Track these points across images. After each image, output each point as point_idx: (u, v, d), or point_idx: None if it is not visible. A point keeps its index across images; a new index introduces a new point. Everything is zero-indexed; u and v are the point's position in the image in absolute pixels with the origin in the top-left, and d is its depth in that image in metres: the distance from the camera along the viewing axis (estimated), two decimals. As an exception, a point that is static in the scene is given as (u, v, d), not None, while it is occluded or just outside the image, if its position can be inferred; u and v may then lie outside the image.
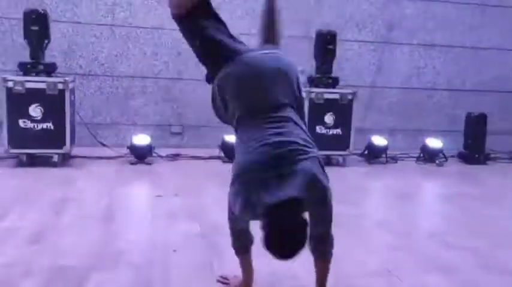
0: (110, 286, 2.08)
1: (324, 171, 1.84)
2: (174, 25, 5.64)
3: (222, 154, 4.84)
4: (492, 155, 5.55)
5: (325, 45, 4.83)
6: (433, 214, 3.59)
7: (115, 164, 4.45)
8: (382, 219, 3.25)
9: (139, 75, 5.26)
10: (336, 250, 2.54)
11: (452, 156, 5.44)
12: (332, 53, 4.84)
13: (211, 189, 3.76)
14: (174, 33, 5.27)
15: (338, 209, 3.41)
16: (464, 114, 5.60)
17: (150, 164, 4.51)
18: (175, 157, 4.85)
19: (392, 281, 2.23)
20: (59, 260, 2.30)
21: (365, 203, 3.74)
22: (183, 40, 5.68)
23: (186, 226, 2.85)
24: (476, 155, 5.37)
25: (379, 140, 5.13)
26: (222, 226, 2.80)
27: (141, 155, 4.54)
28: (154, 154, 4.66)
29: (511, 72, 6.20)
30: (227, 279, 2.14)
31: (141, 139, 4.57)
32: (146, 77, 5.28)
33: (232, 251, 2.02)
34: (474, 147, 5.42)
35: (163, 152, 4.79)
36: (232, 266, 2.21)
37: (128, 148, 4.56)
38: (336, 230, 2.95)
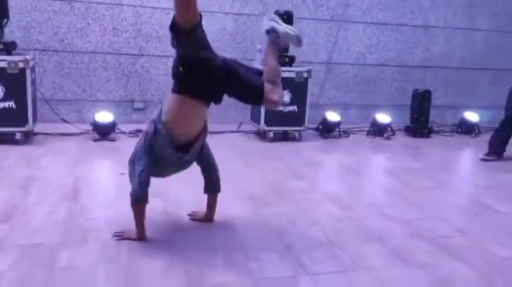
0: (80, 261, 2.30)
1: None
2: (134, 2, 5.67)
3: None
4: (435, 129, 6.00)
5: (282, 25, 5.01)
6: (375, 186, 3.95)
7: (78, 141, 4.58)
8: (330, 192, 3.57)
9: (100, 51, 5.31)
10: (283, 222, 2.86)
11: (399, 129, 5.85)
12: (289, 33, 5.04)
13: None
14: (134, 10, 5.35)
15: (290, 183, 3.75)
16: (411, 90, 6.00)
17: (113, 140, 4.66)
18: (138, 132, 5.00)
19: (333, 251, 2.56)
20: (30, 238, 2.49)
21: (315, 177, 4.06)
22: (144, 16, 5.81)
23: (150, 202, 3.07)
24: (421, 129, 5.79)
25: (332, 116, 5.44)
26: (183, 202, 3.07)
27: (104, 131, 4.68)
28: (117, 130, 4.80)
29: (455, 49, 6.60)
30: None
31: (104, 116, 4.70)
32: (107, 53, 5.34)
33: (193, 223, 2.29)
34: (419, 121, 5.83)
35: (126, 128, 4.94)
36: (194, 241, 2.47)
37: (91, 124, 4.68)
38: (285, 203, 3.28)
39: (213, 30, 5.60)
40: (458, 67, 6.65)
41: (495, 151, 4.77)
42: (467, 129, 6.14)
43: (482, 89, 6.78)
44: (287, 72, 4.99)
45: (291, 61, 5.12)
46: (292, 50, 5.27)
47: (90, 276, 2.17)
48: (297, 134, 5.20)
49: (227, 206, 2.93)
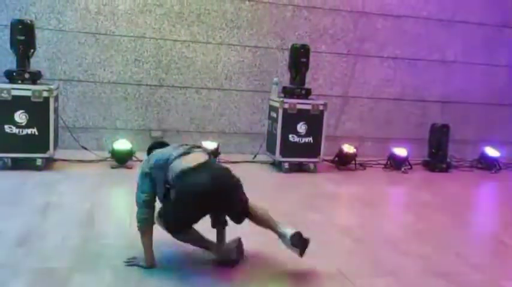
0: (91, 286, 2.32)
1: None
2: (155, 34, 5.88)
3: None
4: (454, 163, 5.93)
5: (299, 58, 5.11)
6: (390, 220, 3.90)
7: (97, 168, 4.66)
8: (343, 224, 3.55)
9: (121, 81, 5.47)
10: (295, 254, 2.83)
11: (417, 163, 5.80)
12: (305, 66, 5.14)
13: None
14: (156, 42, 5.52)
15: (304, 214, 3.73)
16: (429, 124, 5.98)
17: (130, 168, 4.74)
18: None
19: (345, 284, 2.52)
20: (44, 262, 2.53)
21: (330, 209, 4.03)
22: (164, 48, 5.97)
23: (162, 231, 3.09)
24: (439, 164, 5.73)
25: (348, 148, 5.44)
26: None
27: (121, 159, 4.76)
28: (134, 158, 4.88)
29: (474, 84, 6.59)
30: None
31: (122, 144, 4.79)
32: (128, 84, 5.49)
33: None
34: (437, 155, 5.78)
35: (143, 156, 5.00)
36: (205, 270, 2.48)
37: (109, 152, 4.78)
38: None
39: (231, 62, 5.74)
40: (477, 102, 6.62)
41: None
42: (487, 164, 6.05)
43: (503, 124, 6.71)
44: (303, 104, 5.05)
45: (307, 93, 5.18)
46: (308, 82, 5.36)
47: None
48: (312, 165, 5.19)
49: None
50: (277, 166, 5.16)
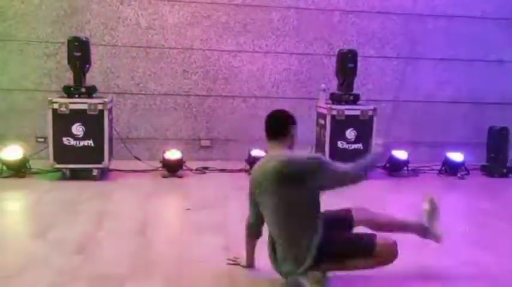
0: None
1: None
2: (203, 45, 5.99)
3: (248, 167, 5.12)
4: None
5: (346, 63, 5.04)
6: (446, 227, 3.72)
7: (149, 177, 4.79)
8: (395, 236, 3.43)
9: (171, 93, 5.61)
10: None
11: (474, 169, 5.53)
12: (353, 71, 5.06)
13: (235, 203, 4.04)
14: (203, 53, 5.63)
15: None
16: (486, 127, 5.69)
17: (180, 177, 4.83)
18: (204, 169, 5.16)
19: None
20: (100, 269, 2.62)
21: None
22: (212, 59, 6.05)
23: (212, 238, 3.13)
24: (499, 168, 5.44)
25: (400, 154, 5.28)
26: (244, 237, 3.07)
27: (172, 168, 4.87)
28: (184, 167, 4.98)
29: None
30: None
31: (173, 154, 4.90)
32: (178, 95, 5.63)
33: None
34: (497, 160, 5.49)
35: (193, 165, 5.11)
36: (252, 275, 2.48)
37: (160, 162, 4.90)
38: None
39: (278, 70, 5.75)
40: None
41: None
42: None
43: None
44: (351, 110, 4.97)
45: (355, 99, 5.09)
46: (357, 88, 5.26)
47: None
48: (362, 172, 5.07)
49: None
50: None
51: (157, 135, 5.62)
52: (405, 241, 2.61)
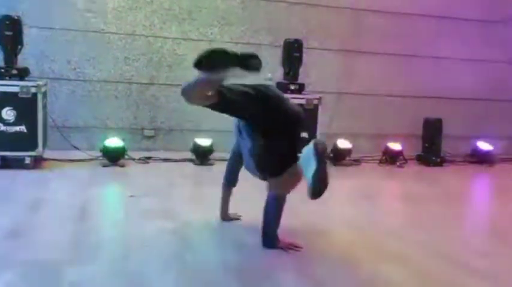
0: (87, 278, 2.21)
1: None
2: (145, 31, 5.78)
3: (194, 157, 5.01)
4: (448, 158, 5.91)
5: (292, 52, 5.08)
6: (390, 211, 3.84)
7: (88, 167, 4.54)
8: (344, 216, 3.48)
9: (111, 79, 5.36)
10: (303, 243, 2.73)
11: (411, 159, 5.77)
12: (298, 61, 5.10)
13: (183, 189, 3.93)
14: (146, 40, 5.44)
15: (306, 207, 3.61)
16: (421, 120, 5.96)
17: (122, 166, 4.63)
18: (147, 159, 4.98)
19: (352, 270, 2.45)
20: (36, 255, 2.41)
21: (329, 203, 3.96)
22: (155, 46, 5.86)
23: (159, 223, 3.00)
24: (433, 158, 5.71)
25: (343, 144, 5.39)
26: (194, 223, 3.00)
27: (113, 157, 4.65)
28: (126, 157, 4.77)
29: (466, 80, 6.60)
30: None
31: (114, 142, 4.68)
32: (119, 82, 5.39)
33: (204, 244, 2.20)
34: (431, 150, 5.76)
35: (136, 155, 4.91)
36: (204, 258, 2.40)
37: (100, 150, 4.66)
38: (302, 226, 3.17)
39: (223, 60, 5.68)
40: (469, 98, 6.62)
41: None
42: (480, 158, 6.04)
43: (494, 120, 6.72)
44: (297, 99, 4.99)
45: (300, 89, 5.13)
46: (301, 79, 5.31)
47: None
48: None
49: (242, 229, 2.86)
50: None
51: (97, 124, 5.35)
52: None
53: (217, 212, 3.10)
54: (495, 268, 2.57)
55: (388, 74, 6.30)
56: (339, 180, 4.73)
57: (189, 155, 5.02)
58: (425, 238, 3.01)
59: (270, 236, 2.64)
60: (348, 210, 3.73)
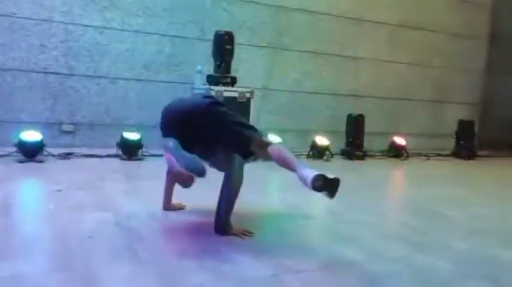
0: (22, 273, 1.93)
1: None
2: (64, 18, 5.38)
3: (121, 152, 4.72)
4: (369, 153, 6.20)
5: (224, 45, 5.00)
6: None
7: (0, 163, 4.06)
8: (288, 202, 3.47)
9: (25, 68, 4.88)
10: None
11: (336, 153, 5.96)
12: (230, 53, 5.04)
13: (116, 183, 3.67)
14: (64, 27, 5.03)
15: (251, 196, 3.48)
16: (345, 116, 6.20)
17: (41, 161, 4.21)
18: (68, 155, 4.58)
19: (308, 251, 2.42)
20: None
21: (271, 192, 3.95)
22: (75, 34, 5.47)
23: (97, 215, 2.74)
24: (357, 152, 5.96)
25: (272, 138, 5.40)
26: (137, 215, 2.80)
27: (30, 152, 4.21)
28: (45, 152, 4.35)
29: (381, 80, 7.02)
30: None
31: (31, 135, 4.24)
32: (33, 71, 4.92)
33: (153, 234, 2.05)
34: (354, 144, 6.01)
35: (53, 151, 4.50)
36: (157, 248, 2.22)
37: (15, 145, 4.20)
38: (253, 213, 3.07)
39: (149, 52, 5.44)
40: (384, 97, 7.04)
41: None
42: (396, 153, 6.43)
43: (407, 117, 7.22)
44: (229, 92, 4.93)
45: (233, 81, 5.07)
46: (233, 73, 5.25)
47: (42, 283, 1.83)
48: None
49: (190, 217, 2.70)
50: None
51: (8, 117, 4.82)
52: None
53: (160, 204, 2.92)
54: (434, 242, 2.70)
55: (311, 71, 6.48)
56: (276, 172, 4.75)
57: (114, 151, 4.72)
58: (370, 220, 3.09)
59: (222, 223, 2.53)
60: (291, 198, 3.73)
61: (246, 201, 3.12)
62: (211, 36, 5.23)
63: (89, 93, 5.18)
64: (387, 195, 4.03)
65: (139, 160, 4.69)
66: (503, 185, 4.97)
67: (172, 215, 2.87)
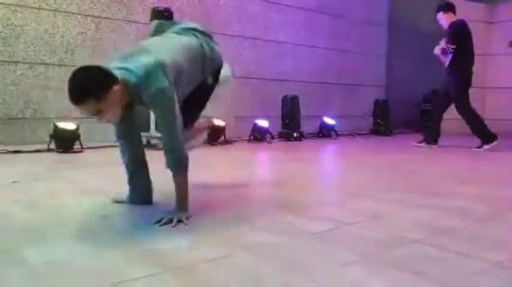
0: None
1: None
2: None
3: (54, 144, 4.11)
4: (305, 134, 6.26)
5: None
6: (285, 171, 3.83)
7: None
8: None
9: None
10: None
11: (273, 136, 5.91)
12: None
13: (71, 172, 3.16)
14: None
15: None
16: (276, 100, 6.17)
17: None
18: (-10, 152, 3.86)
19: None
20: None
21: (220, 167, 3.74)
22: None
23: (94, 198, 2.30)
24: (294, 134, 5.97)
25: (218, 122, 5.16)
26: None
27: None
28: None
29: (302, 64, 7.15)
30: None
31: None
32: None
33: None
34: (291, 126, 6.02)
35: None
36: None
37: None
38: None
39: (71, 34, 4.84)
40: (305, 81, 7.19)
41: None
42: (327, 132, 6.60)
43: (335, 100, 7.46)
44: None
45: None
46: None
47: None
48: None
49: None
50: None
51: None
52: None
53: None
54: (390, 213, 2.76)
55: (240, 56, 6.36)
56: (222, 153, 4.52)
57: (41, 146, 4.12)
58: (311, 186, 3.07)
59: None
60: (239, 172, 3.57)
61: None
62: (138, 18, 4.82)
63: (4, 82, 4.43)
64: (330, 166, 4.08)
65: (79, 152, 4.13)
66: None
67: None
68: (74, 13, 4.85)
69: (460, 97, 5.03)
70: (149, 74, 1.81)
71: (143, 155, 2.19)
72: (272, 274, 1.37)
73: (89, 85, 1.73)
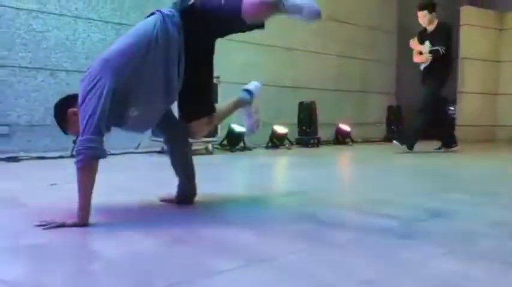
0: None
1: None
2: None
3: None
4: (322, 140, 6.21)
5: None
6: (292, 176, 3.77)
7: None
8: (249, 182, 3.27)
9: None
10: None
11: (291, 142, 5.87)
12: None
13: (112, 174, 3.11)
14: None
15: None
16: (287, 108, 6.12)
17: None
18: (14, 159, 3.80)
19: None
20: None
21: (231, 178, 3.68)
22: (4, 18, 4.69)
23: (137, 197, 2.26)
24: (311, 141, 5.92)
25: (238, 128, 5.14)
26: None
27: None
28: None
29: (315, 71, 7.13)
30: None
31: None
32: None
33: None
34: (309, 132, 5.96)
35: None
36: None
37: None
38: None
39: (92, 40, 4.82)
40: (318, 88, 7.15)
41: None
42: (343, 139, 6.55)
43: (349, 108, 7.42)
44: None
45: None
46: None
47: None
48: (210, 146, 4.72)
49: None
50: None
51: None
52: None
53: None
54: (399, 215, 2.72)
55: (255, 64, 6.33)
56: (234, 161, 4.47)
57: (64, 153, 4.07)
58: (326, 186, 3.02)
59: None
60: (252, 177, 3.53)
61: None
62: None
63: (25, 89, 4.39)
64: (357, 172, 4.04)
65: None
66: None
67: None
68: (95, 20, 4.84)
69: (433, 91, 5.03)
70: None
71: (187, 158, 2.19)
72: (363, 267, 1.33)
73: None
